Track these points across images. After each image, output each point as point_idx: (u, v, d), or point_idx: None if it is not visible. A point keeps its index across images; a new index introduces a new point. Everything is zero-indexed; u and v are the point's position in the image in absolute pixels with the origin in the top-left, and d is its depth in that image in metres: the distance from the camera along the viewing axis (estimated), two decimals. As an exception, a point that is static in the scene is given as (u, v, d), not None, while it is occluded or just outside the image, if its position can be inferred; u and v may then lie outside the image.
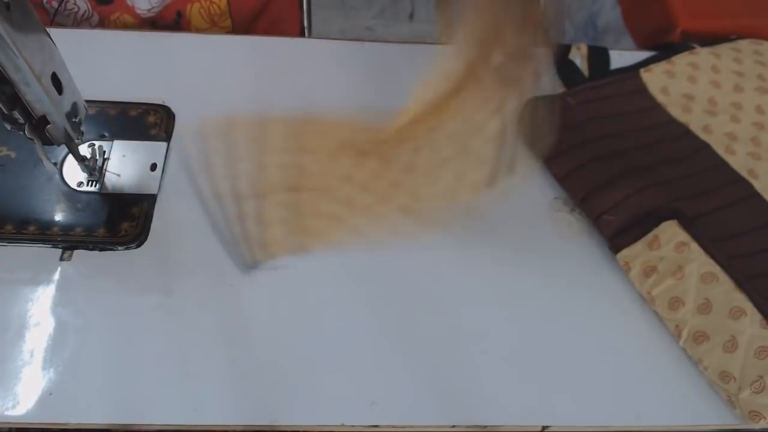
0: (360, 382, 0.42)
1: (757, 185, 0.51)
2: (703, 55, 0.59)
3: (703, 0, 0.66)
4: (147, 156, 0.49)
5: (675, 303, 0.44)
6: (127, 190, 0.48)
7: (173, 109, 0.52)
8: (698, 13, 0.65)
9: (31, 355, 0.41)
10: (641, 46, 0.74)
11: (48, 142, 0.40)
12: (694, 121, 0.55)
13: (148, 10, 0.63)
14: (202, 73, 0.55)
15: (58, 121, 0.39)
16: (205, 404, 0.40)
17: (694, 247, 0.46)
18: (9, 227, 0.45)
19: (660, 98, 0.56)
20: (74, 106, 0.41)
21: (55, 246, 0.45)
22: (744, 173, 0.52)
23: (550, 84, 0.56)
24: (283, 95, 0.54)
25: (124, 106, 0.52)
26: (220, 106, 0.52)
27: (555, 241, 0.49)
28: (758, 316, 0.43)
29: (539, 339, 0.44)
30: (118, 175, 0.48)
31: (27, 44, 0.34)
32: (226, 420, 0.40)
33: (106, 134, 0.50)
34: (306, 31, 0.79)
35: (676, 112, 0.55)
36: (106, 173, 0.48)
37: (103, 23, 0.64)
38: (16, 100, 0.36)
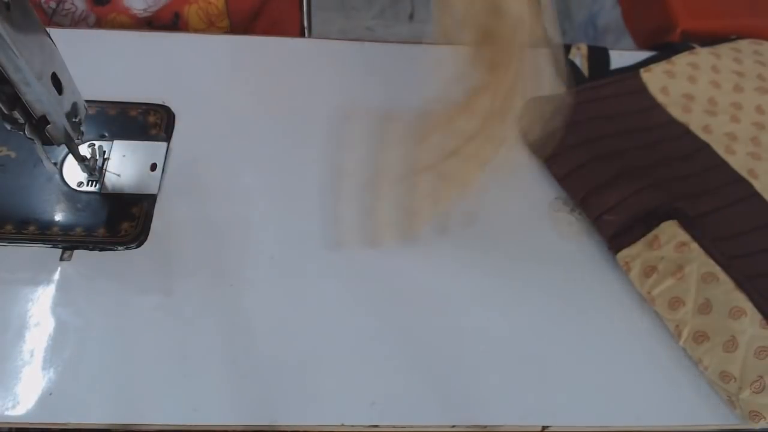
0: (360, 382, 0.42)
1: (757, 185, 0.51)
2: (703, 55, 0.59)
3: (703, 0, 0.66)
4: (147, 156, 0.49)
5: (675, 303, 0.44)
6: (127, 190, 0.48)
7: (173, 109, 0.52)
8: (698, 13, 0.65)
9: (31, 355, 0.41)
10: (641, 46, 0.74)
11: (48, 142, 0.40)
12: (694, 121, 0.55)
13: (144, 10, 0.63)
14: (203, 73, 0.55)
15: (58, 121, 0.39)
16: (205, 404, 0.40)
17: (694, 247, 0.46)
18: (9, 227, 0.45)
19: (660, 98, 0.56)
20: (74, 106, 0.41)
21: (55, 246, 0.45)
22: (744, 173, 0.52)
23: (550, 84, 0.56)
24: (284, 95, 0.54)
25: (124, 106, 0.52)
26: (221, 106, 0.52)
27: (555, 241, 0.49)
28: (758, 316, 0.43)
29: (539, 339, 0.44)
30: (118, 175, 0.48)
31: (27, 44, 0.34)
32: (226, 420, 0.40)
33: (106, 134, 0.50)
34: (306, 31, 0.79)
35: (676, 112, 0.55)
36: (106, 173, 0.48)
37: (100, 23, 0.64)
38: (16, 100, 0.36)
